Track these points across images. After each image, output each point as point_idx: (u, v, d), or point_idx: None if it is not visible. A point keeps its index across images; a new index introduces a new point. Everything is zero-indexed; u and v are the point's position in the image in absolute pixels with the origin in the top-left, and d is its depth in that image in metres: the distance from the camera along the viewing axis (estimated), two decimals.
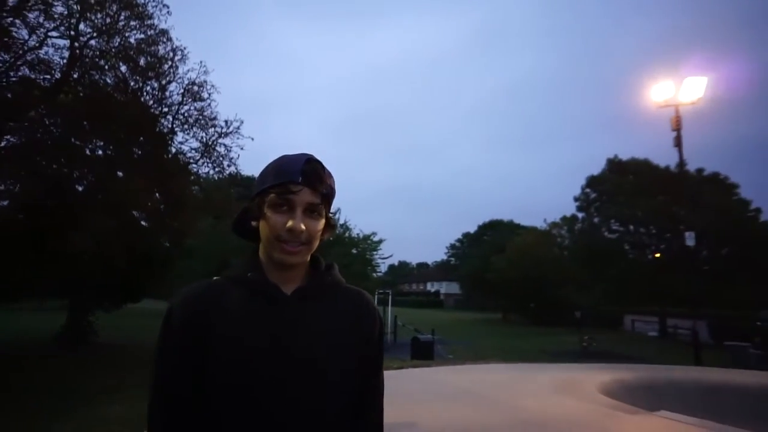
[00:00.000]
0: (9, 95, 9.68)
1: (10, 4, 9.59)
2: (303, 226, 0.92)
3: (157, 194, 12.65)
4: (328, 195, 0.98)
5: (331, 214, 1.03)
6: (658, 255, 26.71)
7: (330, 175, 1.00)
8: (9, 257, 9.45)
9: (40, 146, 10.24)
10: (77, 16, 10.64)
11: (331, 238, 1.06)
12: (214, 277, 1.02)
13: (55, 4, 10.20)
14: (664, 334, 24.48)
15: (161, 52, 12.31)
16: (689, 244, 14.59)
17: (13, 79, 10.31)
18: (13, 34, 9.98)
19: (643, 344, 20.79)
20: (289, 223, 0.91)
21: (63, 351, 12.61)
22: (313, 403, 0.90)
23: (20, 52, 10.19)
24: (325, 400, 0.92)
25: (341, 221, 23.91)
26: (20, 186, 9.93)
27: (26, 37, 10.21)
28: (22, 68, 10.55)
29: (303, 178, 0.93)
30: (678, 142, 14.30)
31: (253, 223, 0.99)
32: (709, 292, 21.35)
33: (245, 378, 0.88)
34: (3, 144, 10.02)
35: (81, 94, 11.16)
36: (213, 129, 13.59)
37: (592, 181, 30.33)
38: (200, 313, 0.92)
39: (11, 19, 9.78)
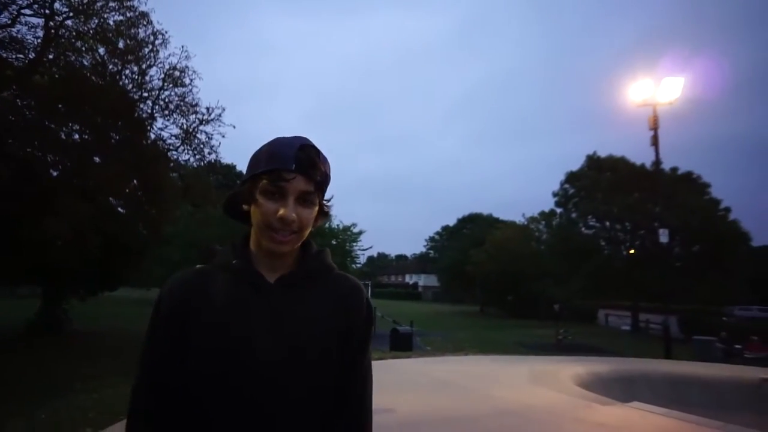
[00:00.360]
0: None
1: None
2: (295, 215, 0.89)
3: (134, 181, 12.39)
4: (323, 182, 0.95)
5: (325, 201, 0.99)
6: (632, 251, 27.34)
7: (325, 161, 0.96)
8: None
9: (12, 128, 9.93)
10: None
11: (325, 225, 1.03)
12: (200, 265, 1.01)
13: None
14: (637, 329, 25.13)
15: (141, 35, 12.03)
16: (663, 241, 14.97)
17: None
18: None
19: (616, 338, 21.34)
20: (281, 212, 0.88)
21: (37, 339, 12.34)
22: (298, 390, 0.90)
23: None
24: (311, 386, 0.91)
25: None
26: None
27: None
28: None
29: (296, 165, 0.89)
30: (654, 141, 14.60)
31: (245, 207, 0.97)
32: (681, 287, 21.97)
33: (229, 365, 0.87)
34: None
35: (56, 76, 10.84)
36: (194, 116, 13.37)
37: (570, 177, 30.78)
38: (186, 301, 0.92)
39: None
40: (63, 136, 11.45)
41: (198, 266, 1.00)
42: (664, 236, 14.78)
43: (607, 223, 28.80)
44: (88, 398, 6.43)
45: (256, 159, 0.94)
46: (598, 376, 7.73)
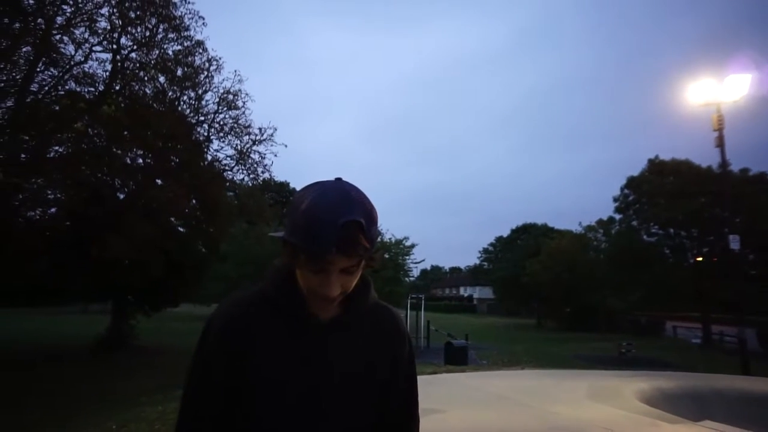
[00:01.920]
0: (56, 108, 10.19)
1: (59, 22, 10.10)
2: (338, 291, 0.85)
3: (193, 201, 13.04)
4: (370, 248, 0.85)
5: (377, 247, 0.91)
6: (700, 259, 25.67)
7: (372, 222, 0.85)
8: (56, 262, 9.91)
9: (84, 156, 10.74)
10: (119, 30, 11.13)
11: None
12: (250, 289, 0.97)
13: (99, 19, 10.72)
14: (709, 342, 23.47)
15: (197, 62, 12.75)
16: (733, 248, 13.97)
17: (61, 92, 10.86)
18: (61, 49, 10.52)
19: (685, 352, 19.99)
20: (324, 291, 0.84)
21: (105, 353, 13.09)
22: (348, 427, 0.91)
23: (67, 66, 10.72)
24: (360, 422, 0.93)
25: None
26: (66, 194, 10.44)
27: (72, 52, 10.75)
28: (68, 82, 11.11)
29: (338, 248, 0.79)
30: (720, 142, 13.74)
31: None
32: (758, 297, 20.37)
33: (276, 405, 0.87)
34: (51, 155, 10.54)
35: (122, 105, 11.65)
36: (247, 136, 13.99)
37: (631, 182, 29.39)
38: (238, 334, 0.89)
39: (59, 35, 10.31)
40: (128, 161, 12.25)
41: (245, 293, 0.96)
42: (734, 243, 13.79)
43: (671, 230, 27.23)
44: (154, 411, 6.73)
45: (293, 225, 0.83)
46: (664, 393, 7.26)
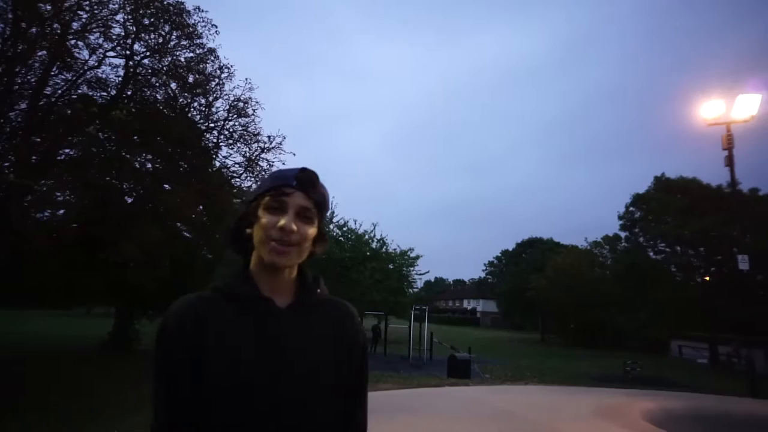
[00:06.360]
0: (69, 112, 10.30)
1: (74, 28, 10.25)
2: (294, 226, 0.94)
3: (200, 207, 13.08)
4: (321, 203, 1.00)
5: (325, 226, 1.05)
6: (707, 278, 25.42)
7: (324, 187, 1.03)
8: (63, 265, 9.96)
9: (94, 159, 10.82)
10: (133, 36, 11.26)
11: (323, 256, 1.08)
12: (203, 291, 1.00)
13: (114, 26, 10.86)
14: (715, 362, 23.16)
15: (209, 69, 12.85)
16: (742, 268, 13.82)
17: (74, 96, 10.98)
18: (76, 54, 10.66)
19: (691, 371, 19.73)
20: (281, 222, 0.93)
21: (109, 357, 13.09)
22: (311, 414, 0.93)
23: (81, 71, 10.85)
24: (323, 411, 0.95)
25: (377, 236, 24.00)
26: (75, 197, 10.51)
27: (87, 57, 10.89)
28: (81, 86, 11.23)
29: (297, 182, 0.97)
30: (729, 161, 13.68)
31: (248, 231, 1.00)
32: (766, 318, 20.10)
33: (240, 392, 0.88)
34: (62, 158, 10.64)
35: (133, 110, 11.77)
36: (256, 144, 14.05)
37: (637, 200, 29.25)
38: (193, 326, 0.91)
39: (74, 40, 10.46)
40: (137, 165, 12.33)
41: (195, 293, 0.99)
42: (743, 263, 13.65)
43: (679, 248, 27.01)
44: None
45: (261, 184, 1.03)
46: (671, 413, 7.16)
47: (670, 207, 26.54)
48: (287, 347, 0.94)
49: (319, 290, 1.05)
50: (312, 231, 0.99)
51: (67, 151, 10.88)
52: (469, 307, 72.59)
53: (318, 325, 1.01)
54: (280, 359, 0.92)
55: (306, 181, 0.98)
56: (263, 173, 14.28)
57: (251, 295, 0.96)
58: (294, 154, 14.32)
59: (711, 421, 7.13)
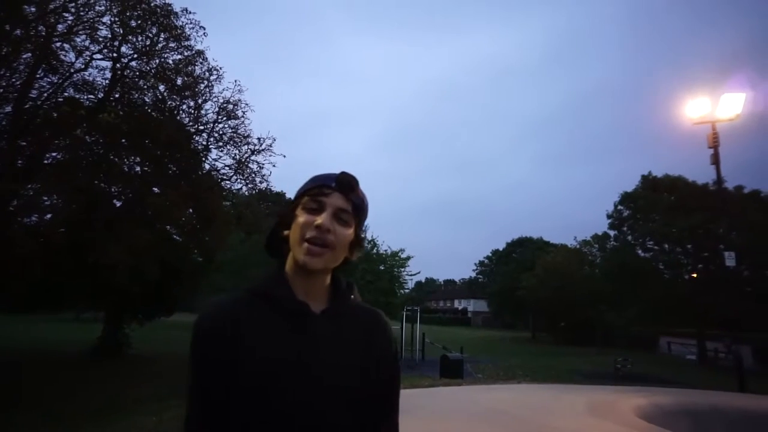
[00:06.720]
0: (55, 115, 10.17)
1: (60, 30, 10.13)
2: (331, 227, 0.93)
3: (190, 209, 12.97)
4: (359, 207, 1.00)
5: (362, 233, 1.04)
6: (695, 275, 25.75)
7: (363, 193, 1.02)
8: (51, 269, 9.82)
9: (82, 163, 10.69)
10: (120, 38, 11.15)
11: (357, 261, 1.07)
12: (238, 291, 1.01)
13: (100, 28, 10.74)
14: (704, 358, 23.46)
15: (197, 71, 12.76)
16: (729, 264, 14.03)
17: (60, 99, 10.84)
18: (61, 57, 10.53)
19: (680, 368, 19.97)
20: (318, 220, 0.93)
21: (99, 361, 12.94)
22: (338, 419, 0.92)
23: (67, 74, 10.73)
24: (349, 417, 0.93)
25: (369, 237, 23.99)
26: (62, 201, 10.37)
27: (73, 59, 10.76)
28: (68, 89, 11.11)
29: (336, 183, 0.98)
30: (715, 160, 13.87)
31: (285, 233, 1.00)
32: (753, 314, 20.41)
33: (272, 393, 0.88)
34: (49, 161, 10.50)
35: (121, 113, 11.65)
36: (246, 146, 13.94)
37: (625, 198, 29.55)
38: (228, 327, 0.92)
39: (60, 43, 10.33)
40: (126, 168, 12.20)
41: (232, 293, 1.00)
42: (730, 260, 13.86)
43: (666, 246, 27.32)
44: (148, 420, 6.65)
45: (303, 185, 1.03)
46: (662, 409, 7.24)
47: (657, 205, 26.84)
48: (320, 352, 0.94)
49: (352, 296, 1.05)
50: (348, 233, 0.99)
51: (54, 154, 10.74)
52: (460, 307, 72.75)
53: (349, 332, 1.01)
54: (313, 364, 0.92)
55: (345, 183, 0.98)
56: (253, 175, 14.21)
57: (286, 298, 0.96)
58: (284, 156, 14.24)
59: (701, 415, 7.22)
